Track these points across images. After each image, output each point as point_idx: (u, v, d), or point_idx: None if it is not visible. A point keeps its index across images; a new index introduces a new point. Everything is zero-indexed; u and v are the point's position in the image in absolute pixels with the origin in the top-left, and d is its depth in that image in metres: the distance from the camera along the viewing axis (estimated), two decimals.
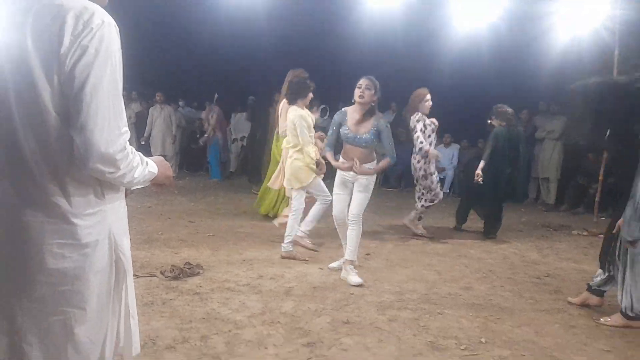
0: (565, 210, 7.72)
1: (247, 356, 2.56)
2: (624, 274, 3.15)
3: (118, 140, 1.32)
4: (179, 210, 6.39)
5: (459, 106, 8.83)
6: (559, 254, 5.05)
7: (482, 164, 5.30)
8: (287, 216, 4.53)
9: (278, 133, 5.34)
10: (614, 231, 3.22)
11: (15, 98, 1.28)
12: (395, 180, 9.56)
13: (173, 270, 3.73)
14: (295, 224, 4.30)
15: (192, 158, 10.48)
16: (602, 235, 3.66)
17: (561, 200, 7.97)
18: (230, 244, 4.78)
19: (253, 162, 8.15)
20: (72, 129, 1.27)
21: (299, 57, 10.92)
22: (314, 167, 4.26)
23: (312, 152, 4.26)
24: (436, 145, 5.39)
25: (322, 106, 8.52)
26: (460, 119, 9.00)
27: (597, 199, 6.75)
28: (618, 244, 3.19)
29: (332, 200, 4.09)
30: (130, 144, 1.37)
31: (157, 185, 1.55)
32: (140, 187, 1.51)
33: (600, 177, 6.54)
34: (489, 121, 5.54)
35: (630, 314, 3.14)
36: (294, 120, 4.26)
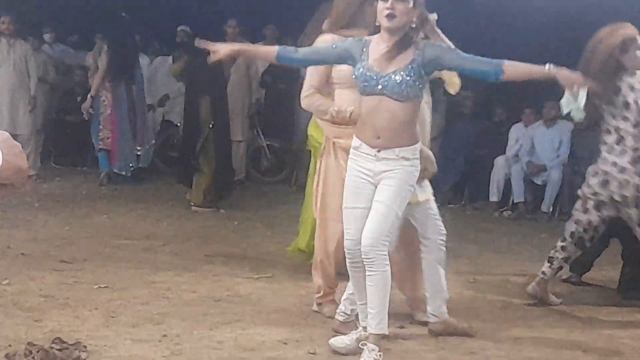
0: None
1: None
2: None
3: None
4: (42, 240, 6.35)
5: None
6: None
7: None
8: None
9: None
10: None
11: None
12: (451, 191, 9.68)
13: (30, 352, 3.69)
14: None
15: (68, 141, 10.46)
16: None
17: None
18: (139, 305, 4.76)
19: (189, 148, 8.12)
20: None
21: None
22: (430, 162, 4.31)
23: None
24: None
25: None
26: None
27: None
28: None
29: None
30: None
31: None
32: None
33: None
34: None
35: None
36: None
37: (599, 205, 5.11)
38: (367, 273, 3.84)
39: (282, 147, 10.25)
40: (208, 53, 4.07)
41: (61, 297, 4.80)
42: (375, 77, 3.76)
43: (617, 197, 5.05)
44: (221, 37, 8.21)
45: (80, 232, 6.82)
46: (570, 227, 5.35)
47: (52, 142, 10.45)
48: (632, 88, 4.90)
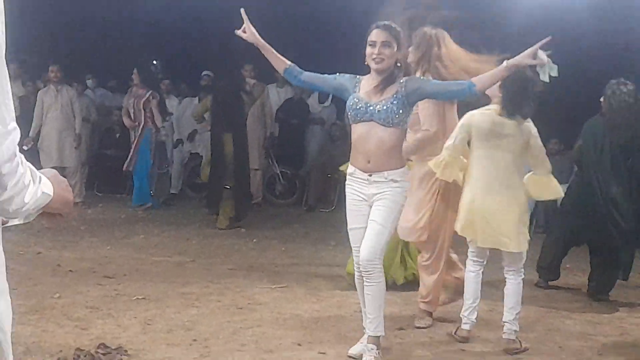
0: None
1: None
2: None
3: (3, 142, 1.31)
4: (87, 259, 6.35)
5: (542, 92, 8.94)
6: None
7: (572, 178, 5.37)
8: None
9: None
10: None
11: None
12: None
13: (78, 357, 3.70)
14: None
15: (108, 173, 10.50)
16: None
17: None
18: (172, 314, 4.76)
19: (216, 178, 8.14)
20: None
21: (280, 8, 11.12)
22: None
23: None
24: None
25: None
26: (545, 110, 9.09)
27: None
28: None
29: None
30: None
31: (49, 216, 1.55)
32: (23, 220, 1.51)
33: None
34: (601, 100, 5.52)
35: None
36: None
37: None
38: (365, 284, 3.83)
39: (294, 174, 10.27)
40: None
41: (104, 308, 4.81)
42: (364, 106, 3.78)
43: None
44: (239, 79, 8.28)
45: (120, 251, 6.82)
46: None
47: (95, 173, 10.46)
48: None
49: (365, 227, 3.84)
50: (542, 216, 9.07)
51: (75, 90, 9.66)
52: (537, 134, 4.31)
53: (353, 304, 4.07)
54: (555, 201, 5.93)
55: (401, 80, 3.81)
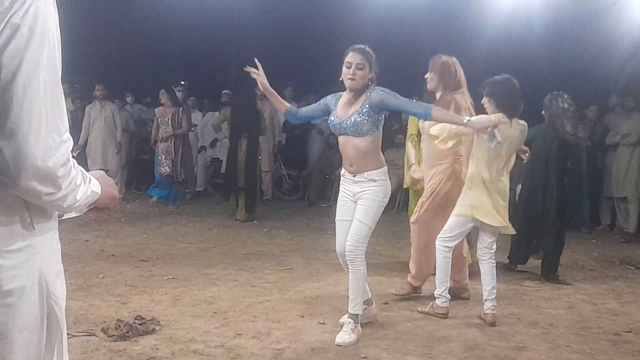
0: None
1: None
2: None
3: (59, 149, 1.31)
4: (126, 245, 6.39)
5: None
6: None
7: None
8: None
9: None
10: None
11: None
12: None
13: (119, 327, 3.72)
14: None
15: (143, 174, 10.50)
16: None
17: None
18: (197, 290, 4.78)
19: (232, 175, 8.15)
20: None
21: (287, 34, 11.15)
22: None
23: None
24: None
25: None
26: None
27: None
28: None
29: None
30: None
31: (97, 210, 1.55)
32: (75, 214, 1.52)
33: None
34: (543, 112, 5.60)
35: None
36: None
37: None
38: (349, 269, 3.82)
39: (298, 175, 10.28)
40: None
41: (141, 286, 4.84)
42: (339, 122, 3.76)
43: None
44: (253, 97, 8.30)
45: (153, 238, 6.83)
46: None
47: (133, 174, 10.49)
48: None
49: (349, 221, 3.82)
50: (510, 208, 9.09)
51: (116, 105, 9.69)
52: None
53: (347, 283, 4.09)
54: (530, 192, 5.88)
55: (367, 92, 3.73)
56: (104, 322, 3.87)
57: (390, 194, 3.89)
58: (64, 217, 1.54)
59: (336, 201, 4.08)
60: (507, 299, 4.91)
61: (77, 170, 1.39)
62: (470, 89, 4.62)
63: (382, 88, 3.75)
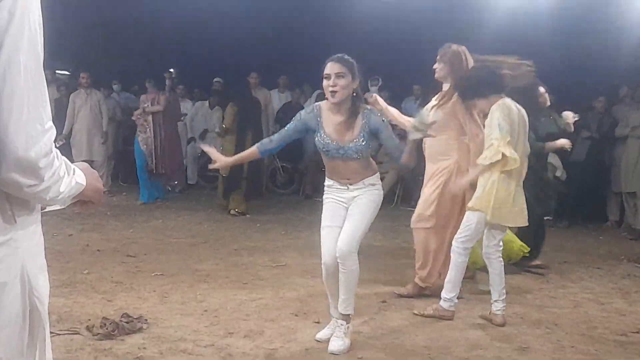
0: None
1: None
2: None
3: (41, 139, 1.30)
4: (112, 240, 6.37)
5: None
6: None
7: None
8: None
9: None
10: None
11: None
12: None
13: (105, 325, 3.71)
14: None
15: (130, 165, 10.46)
16: None
17: None
18: (186, 287, 4.77)
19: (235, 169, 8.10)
20: None
21: (282, 19, 11.12)
22: None
23: None
24: None
25: (318, 91, 8.62)
26: None
27: None
28: None
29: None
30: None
31: (82, 203, 1.54)
32: (58, 207, 1.50)
33: None
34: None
35: None
36: None
37: None
38: (341, 270, 3.67)
39: (293, 168, 10.28)
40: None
41: (127, 283, 4.83)
42: (335, 147, 3.62)
43: None
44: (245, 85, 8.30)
45: (141, 233, 6.82)
46: None
47: (120, 165, 10.46)
48: None
49: (338, 227, 3.70)
50: None
51: (102, 93, 9.67)
52: None
53: (343, 282, 4.08)
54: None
55: (365, 112, 3.62)
56: (89, 320, 3.85)
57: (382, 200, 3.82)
58: (46, 210, 1.53)
59: None
60: (509, 298, 4.89)
61: (60, 160, 1.38)
62: None
63: (383, 116, 3.69)
